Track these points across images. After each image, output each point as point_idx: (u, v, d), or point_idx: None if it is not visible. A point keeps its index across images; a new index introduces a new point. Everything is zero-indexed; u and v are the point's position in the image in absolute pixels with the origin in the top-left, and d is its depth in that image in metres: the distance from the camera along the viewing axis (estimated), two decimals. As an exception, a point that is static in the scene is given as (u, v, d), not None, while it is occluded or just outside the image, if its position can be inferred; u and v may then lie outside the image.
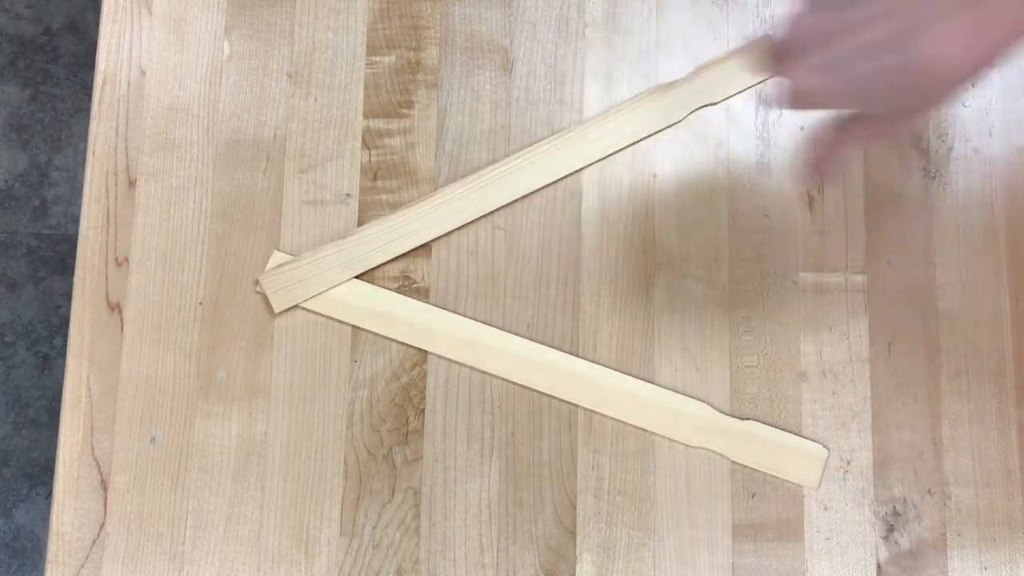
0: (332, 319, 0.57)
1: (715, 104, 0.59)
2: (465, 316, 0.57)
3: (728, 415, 0.56)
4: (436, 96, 0.60)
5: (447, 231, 0.57)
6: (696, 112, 0.59)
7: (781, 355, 0.57)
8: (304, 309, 0.57)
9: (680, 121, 0.59)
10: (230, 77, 0.60)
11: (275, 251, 0.58)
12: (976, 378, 0.57)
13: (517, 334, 0.57)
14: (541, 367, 0.56)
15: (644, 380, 0.56)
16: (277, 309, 0.57)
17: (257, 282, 0.57)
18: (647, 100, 0.59)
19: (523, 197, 0.58)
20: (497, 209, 0.58)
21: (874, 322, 0.57)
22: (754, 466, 0.55)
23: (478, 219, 0.58)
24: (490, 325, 0.57)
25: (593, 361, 0.56)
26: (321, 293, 0.57)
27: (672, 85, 0.59)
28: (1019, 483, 0.56)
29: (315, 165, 0.59)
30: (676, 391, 0.56)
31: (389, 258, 0.57)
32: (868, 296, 0.58)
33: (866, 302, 0.58)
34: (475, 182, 0.58)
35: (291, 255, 0.57)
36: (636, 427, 0.56)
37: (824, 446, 0.56)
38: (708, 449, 0.55)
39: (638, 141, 0.59)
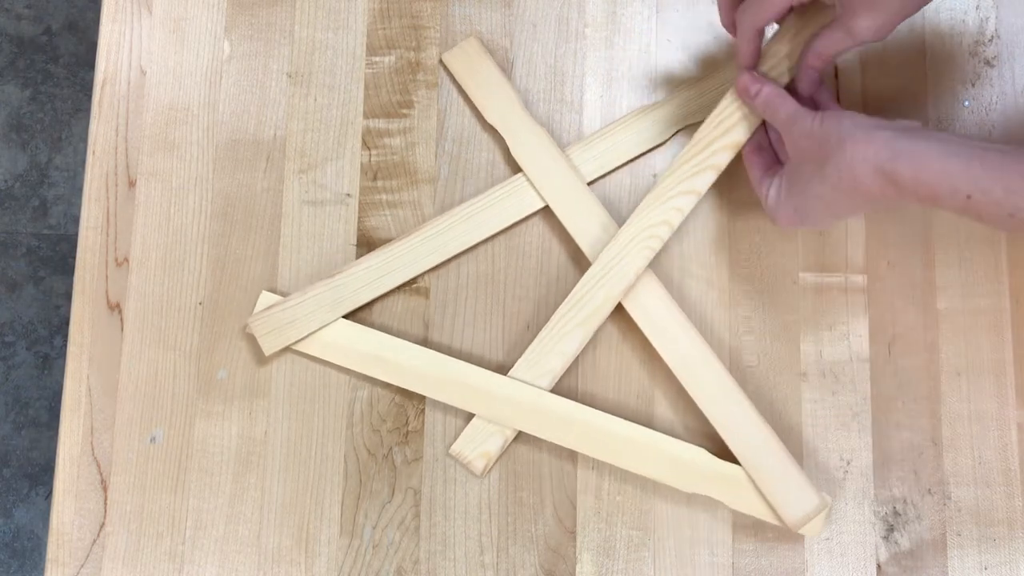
0: (323, 362, 0.56)
1: (699, 124, 0.58)
2: (459, 359, 0.55)
3: (724, 460, 0.53)
4: (436, 96, 0.60)
5: (436, 264, 0.56)
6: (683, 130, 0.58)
7: (781, 355, 0.57)
8: (295, 352, 0.57)
9: (665, 142, 0.58)
10: (230, 77, 0.60)
11: (263, 292, 0.57)
12: (976, 378, 0.57)
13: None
14: (537, 412, 0.54)
15: (642, 424, 0.54)
16: (267, 352, 0.56)
17: (247, 325, 0.57)
18: (634, 121, 0.58)
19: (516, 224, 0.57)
20: (488, 239, 0.57)
21: (874, 322, 0.57)
22: (751, 512, 0.53)
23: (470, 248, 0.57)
24: (483, 366, 0.56)
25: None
26: (311, 334, 0.56)
27: (657, 105, 0.58)
28: (1019, 483, 0.56)
29: (315, 165, 0.59)
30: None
31: (378, 294, 0.56)
32: (868, 296, 0.58)
33: (866, 302, 0.58)
34: (464, 212, 0.57)
35: (281, 295, 0.56)
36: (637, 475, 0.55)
37: (826, 496, 0.53)
38: (705, 495, 0.54)
39: (625, 163, 0.59)
